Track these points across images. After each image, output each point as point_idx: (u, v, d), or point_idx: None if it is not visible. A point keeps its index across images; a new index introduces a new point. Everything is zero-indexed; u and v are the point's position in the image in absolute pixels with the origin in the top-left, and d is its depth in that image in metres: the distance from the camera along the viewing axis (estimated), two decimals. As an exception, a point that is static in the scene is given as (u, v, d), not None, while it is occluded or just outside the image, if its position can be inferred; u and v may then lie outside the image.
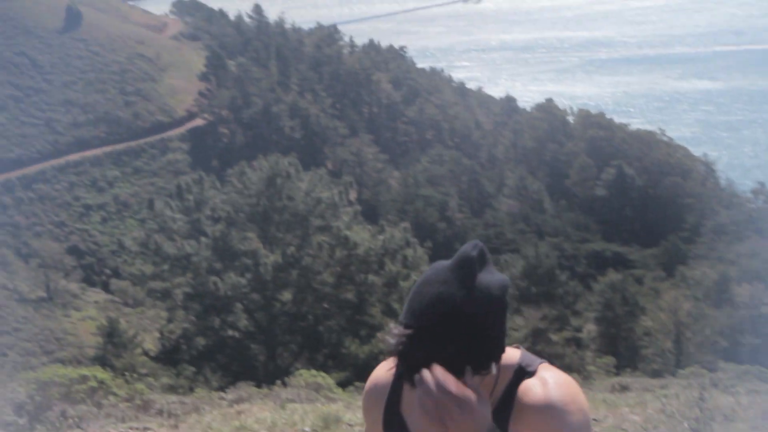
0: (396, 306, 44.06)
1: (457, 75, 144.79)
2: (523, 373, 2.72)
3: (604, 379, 24.96)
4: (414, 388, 2.47)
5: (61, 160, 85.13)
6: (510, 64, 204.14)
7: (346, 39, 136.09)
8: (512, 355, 2.80)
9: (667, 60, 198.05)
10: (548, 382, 2.62)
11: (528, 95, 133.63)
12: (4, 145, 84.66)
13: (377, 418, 3.01)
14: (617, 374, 31.25)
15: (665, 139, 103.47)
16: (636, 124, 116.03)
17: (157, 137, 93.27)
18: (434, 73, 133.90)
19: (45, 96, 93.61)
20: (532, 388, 2.62)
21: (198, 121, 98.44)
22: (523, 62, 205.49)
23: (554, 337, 43.12)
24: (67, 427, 10.50)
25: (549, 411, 2.57)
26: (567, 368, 37.03)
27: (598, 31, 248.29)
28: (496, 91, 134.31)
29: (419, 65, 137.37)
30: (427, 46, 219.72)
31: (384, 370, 3.00)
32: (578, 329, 47.95)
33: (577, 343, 45.81)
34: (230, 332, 46.34)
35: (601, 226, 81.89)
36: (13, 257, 61.84)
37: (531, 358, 2.79)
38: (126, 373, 21.11)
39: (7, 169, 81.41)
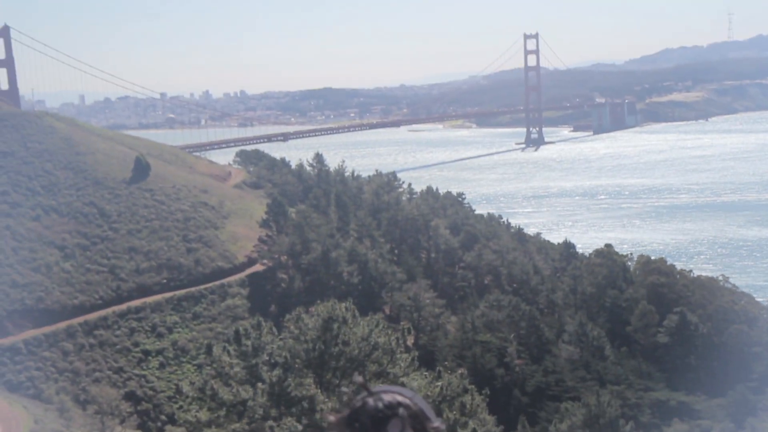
0: (454, 455, 42.84)
1: (516, 221, 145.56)
2: None
3: None
4: None
5: (123, 306, 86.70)
6: (570, 210, 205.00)
7: (405, 186, 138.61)
8: None
9: (731, 207, 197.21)
10: None
11: (587, 241, 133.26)
12: (68, 293, 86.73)
13: None
14: None
15: (729, 286, 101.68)
16: (698, 271, 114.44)
17: (217, 283, 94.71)
18: (492, 219, 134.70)
19: (110, 244, 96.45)
20: None
21: (258, 267, 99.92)
22: (583, 209, 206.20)
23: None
24: None
25: None
26: None
27: (660, 179, 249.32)
28: (556, 237, 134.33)
29: (478, 211, 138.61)
30: (486, 192, 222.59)
31: None
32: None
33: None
34: (285, 481, 45.37)
35: (664, 374, 79.56)
36: (71, 404, 62.14)
37: None
38: None
39: (70, 316, 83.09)
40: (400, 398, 2.86)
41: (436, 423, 2.85)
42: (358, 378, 2.96)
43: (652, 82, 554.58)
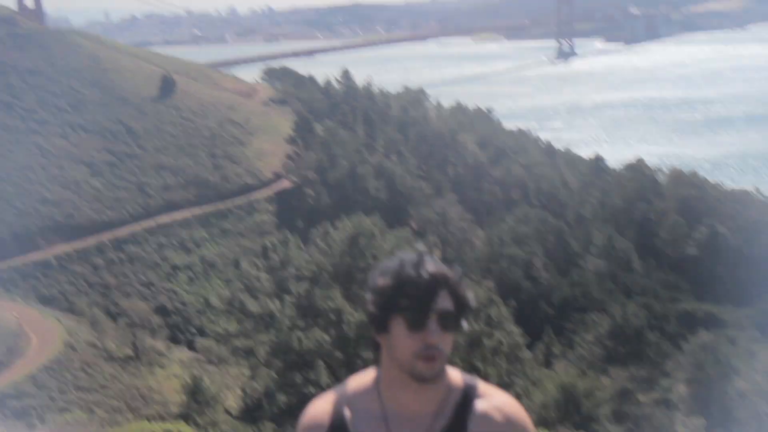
0: (479, 364, 43.21)
1: (545, 135, 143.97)
2: (470, 392, 2.84)
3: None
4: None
5: (152, 222, 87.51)
6: (602, 124, 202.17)
7: (433, 101, 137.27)
8: (456, 374, 2.89)
9: (765, 119, 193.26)
10: (506, 402, 2.80)
11: (618, 155, 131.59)
12: (97, 209, 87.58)
13: None
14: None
15: (761, 198, 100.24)
16: (731, 184, 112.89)
17: (245, 199, 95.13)
18: (521, 134, 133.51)
19: (138, 161, 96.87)
20: (496, 410, 2.77)
21: (285, 183, 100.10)
22: (615, 122, 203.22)
23: (642, 398, 41.58)
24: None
25: (514, 429, 2.75)
26: (656, 429, 35.39)
27: (695, 90, 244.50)
28: (586, 152, 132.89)
29: (507, 126, 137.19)
30: (515, 107, 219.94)
31: (319, 406, 2.96)
32: (668, 390, 46.08)
33: (667, 404, 43.97)
34: (312, 389, 46.11)
35: (692, 286, 79.15)
36: (102, 316, 63.26)
37: (472, 378, 2.89)
38: (209, 430, 21.10)
39: (100, 232, 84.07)
40: (446, 271, 2.71)
41: (471, 295, 2.74)
42: (421, 246, 2.82)
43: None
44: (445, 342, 2.72)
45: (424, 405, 2.79)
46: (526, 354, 50.89)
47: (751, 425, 40.35)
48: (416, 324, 2.72)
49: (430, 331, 2.70)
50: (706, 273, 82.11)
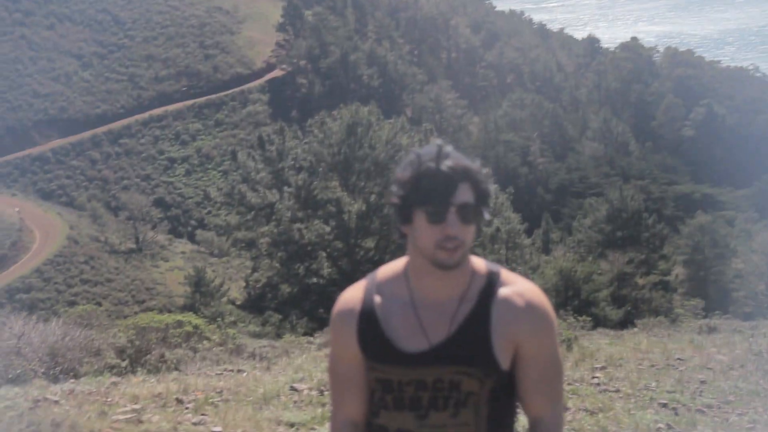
0: (478, 250, 43.76)
1: (538, 17, 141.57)
2: (493, 279, 2.92)
3: (692, 321, 24.39)
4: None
5: (145, 115, 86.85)
6: (596, 2, 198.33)
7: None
8: (480, 262, 2.96)
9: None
10: (528, 288, 2.90)
11: (613, 35, 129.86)
12: (90, 102, 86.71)
13: (350, 336, 3.04)
14: (706, 317, 30.54)
15: (759, 75, 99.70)
16: (728, 62, 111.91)
17: (237, 89, 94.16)
18: (514, 16, 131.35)
19: (127, 52, 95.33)
20: (518, 295, 2.88)
21: (276, 72, 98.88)
22: (607, 1, 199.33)
23: (641, 281, 42.34)
24: (165, 369, 10.76)
25: (535, 313, 2.87)
26: (654, 312, 36.09)
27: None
28: (580, 33, 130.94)
29: (498, 8, 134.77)
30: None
31: (351, 293, 3.08)
32: (666, 273, 46.88)
33: (665, 286, 44.84)
34: (314, 279, 46.79)
35: (689, 168, 79.52)
36: (103, 210, 63.65)
37: (495, 266, 2.98)
38: (217, 320, 21.58)
39: (94, 125, 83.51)
40: (467, 163, 2.77)
41: (491, 187, 2.80)
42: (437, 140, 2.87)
43: None
44: (465, 232, 2.78)
45: (449, 291, 2.91)
46: (525, 240, 51.39)
47: (748, 305, 41.31)
48: (436, 216, 2.77)
49: (450, 222, 2.76)
50: (703, 154, 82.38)
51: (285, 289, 47.13)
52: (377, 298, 2.98)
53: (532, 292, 2.90)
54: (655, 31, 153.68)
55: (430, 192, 2.79)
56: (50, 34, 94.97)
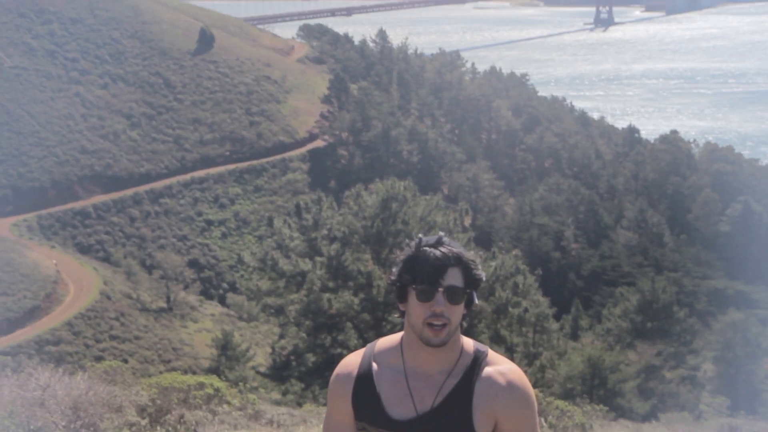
0: (505, 333, 43.70)
1: (580, 104, 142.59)
2: (480, 357, 3.32)
3: (715, 419, 24.19)
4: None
5: (187, 176, 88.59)
6: (639, 94, 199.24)
7: (468, 65, 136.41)
8: (468, 342, 3.38)
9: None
10: (510, 369, 3.29)
11: (653, 127, 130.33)
12: (135, 161, 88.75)
13: (346, 397, 3.44)
14: (731, 416, 30.14)
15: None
16: (767, 161, 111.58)
17: (279, 157, 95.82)
18: (556, 102, 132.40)
19: (175, 114, 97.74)
20: (500, 374, 3.26)
21: (318, 143, 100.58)
22: (653, 93, 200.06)
23: (668, 375, 41.90)
24: (184, 430, 11.00)
25: (515, 392, 3.23)
26: (680, 407, 35.66)
27: (737, 63, 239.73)
28: (621, 122, 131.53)
29: (542, 93, 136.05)
30: (551, 74, 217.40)
31: (351, 359, 3.54)
32: (695, 368, 46.35)
33: (693, 381, 44.31)
34: (340, 350, 46.82)
35: (724, 263, 78.83)
36: (138, 268, 64.53)
37: (483, 347, 3.38)
38: (239, 384, 21.84)
39: (137, 183, 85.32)
40: (456, 249, 3.28)
41: (481, 274, 3.29)
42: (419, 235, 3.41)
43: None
44: (452, 312, 3.23)
45: (438, 365, 3.32)
46: (553, 325, 51.16)
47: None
48: (425, 295, 3.23)
49: (437, 301, 3.19)
50: (738, 250, 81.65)
51: (310, 358, 47.19)
52: (374, 366, 3.44)
53: (513, 373, 3.35)
54: (696, 125, 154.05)
55: (422, 273, 3.28)
56: (103, 93, 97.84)
